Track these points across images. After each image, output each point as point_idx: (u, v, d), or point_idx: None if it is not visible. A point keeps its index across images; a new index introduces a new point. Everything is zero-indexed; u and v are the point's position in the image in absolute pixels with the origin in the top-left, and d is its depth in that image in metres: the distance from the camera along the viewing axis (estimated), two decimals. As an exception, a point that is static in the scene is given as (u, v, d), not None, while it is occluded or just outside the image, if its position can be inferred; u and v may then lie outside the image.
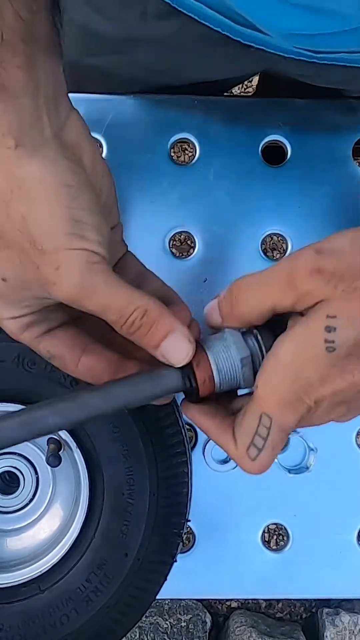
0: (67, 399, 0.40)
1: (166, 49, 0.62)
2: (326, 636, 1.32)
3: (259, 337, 0.41)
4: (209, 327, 0.44)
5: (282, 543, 0.65)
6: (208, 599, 1.42)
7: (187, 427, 0.64)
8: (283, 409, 0.39)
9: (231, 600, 1.43)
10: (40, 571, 0.52)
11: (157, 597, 0.54)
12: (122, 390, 0.41)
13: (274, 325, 0.41)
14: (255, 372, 0.41)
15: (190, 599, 1.38)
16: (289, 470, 0.64)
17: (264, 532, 0.64)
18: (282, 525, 0.65)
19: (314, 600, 1.42)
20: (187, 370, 0.41)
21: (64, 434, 0.51)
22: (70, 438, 0.51)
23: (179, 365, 0.41)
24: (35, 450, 0.54)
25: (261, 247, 0.66)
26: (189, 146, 0.68)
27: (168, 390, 0.41)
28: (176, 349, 0.40)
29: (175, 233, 0.66)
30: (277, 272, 0.39)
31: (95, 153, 0.43)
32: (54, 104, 0.40)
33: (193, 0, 0.53)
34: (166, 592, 0.55)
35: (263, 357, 0.41)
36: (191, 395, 0.42)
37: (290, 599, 1.44)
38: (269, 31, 0.51)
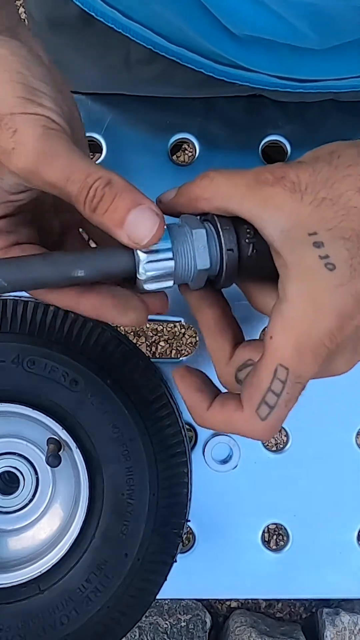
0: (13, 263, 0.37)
1: (152, 89, 0.63)
2: (326, 636, 1.32)
3: (216, 221, 0.38)
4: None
5: (282, 543, 0.65)
6: (208, 599, 1.42)
7: (187, 427, 0.64)
8: (302, 356, 0.35)
9: (231, 600, 1.43)
10: (40, 571, 0.52)
11: (157, 597, 0.54)
12: (71, 260, 0.37)
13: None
14: (210, 256, 0.38)
15: (190, 599, 1.38)
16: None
17: (263, 532, 0.64)
18: (281, 525, 0.65)
19: (314, 600, 1.42)
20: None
21: (63, 434, 0.51)
22: (70, 438, 0.51)
23: (145, 242, 0.36)
24: (35, 451, 0.54)
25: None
26: (188, 146, 0.67)
27: (119, 267, 0.37)
28: (143, 222, 0.35)
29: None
30: (246, 171, 0.37)
31: (51, 62, 0.40)
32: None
33: (173, 45, 0.53)
34: (166, 592, 0.55)
35: (221, 242, 0.38)
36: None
37: (290, 599, 1.44)
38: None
